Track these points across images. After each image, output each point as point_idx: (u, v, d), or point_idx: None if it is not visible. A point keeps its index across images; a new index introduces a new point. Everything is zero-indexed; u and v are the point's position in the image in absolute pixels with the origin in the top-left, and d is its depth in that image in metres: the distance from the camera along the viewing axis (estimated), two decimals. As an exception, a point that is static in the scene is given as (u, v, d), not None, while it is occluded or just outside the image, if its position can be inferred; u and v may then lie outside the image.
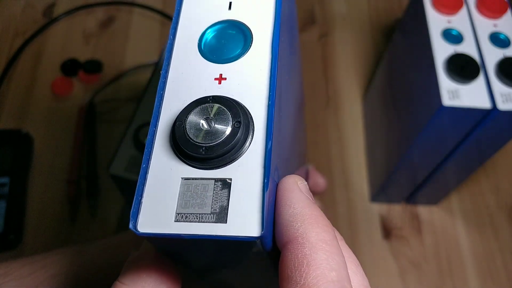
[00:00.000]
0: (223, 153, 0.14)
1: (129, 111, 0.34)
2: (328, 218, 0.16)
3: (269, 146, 0.14)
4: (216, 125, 0.14)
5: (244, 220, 0.14)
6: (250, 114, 0.15)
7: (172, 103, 0.15)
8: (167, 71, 0.16)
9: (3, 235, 0.47)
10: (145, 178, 0.15)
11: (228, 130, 0.14)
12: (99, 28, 0.63)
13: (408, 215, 0.52)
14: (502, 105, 0.33)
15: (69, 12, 0.64)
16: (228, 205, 0.14)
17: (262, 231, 0.13)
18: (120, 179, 0.36)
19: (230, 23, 0.17)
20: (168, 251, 0.17)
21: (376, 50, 0.62)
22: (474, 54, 0.35)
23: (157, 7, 0.64)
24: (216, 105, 0.15)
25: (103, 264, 0.31)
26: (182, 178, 0.14)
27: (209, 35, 0.17)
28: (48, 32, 0.62)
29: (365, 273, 0.17)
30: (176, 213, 0.14)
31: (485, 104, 0.33)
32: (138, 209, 0.14)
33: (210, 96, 0.15)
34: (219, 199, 0.14)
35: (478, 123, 0.35)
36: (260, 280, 0.21)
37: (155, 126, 0.15)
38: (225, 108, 0.14)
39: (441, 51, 0.35)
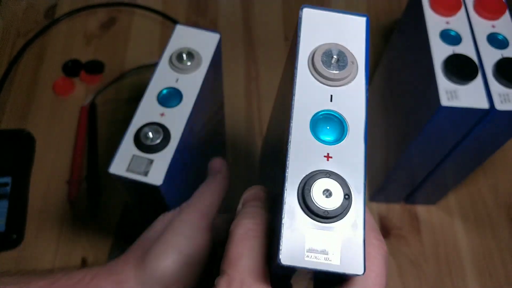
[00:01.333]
0: (336, 215, 0.20)
1: (130, 111, 0.34)
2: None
3: (364, 218, 0.20)
4: (332, 194, 0.20)
5: (352, 262, 0.19)
6: (351, 187, 0.21)
7: (295, 171, 0.21)
8: (288, 145, 0.22)
9: (5, 234, 0.47)
10: (282, 222, 0.20)
11: (340, 200, 0.20)
12: (101, 29, 0.64)
13: (407, 214, 0.52)
14: (500, 106, 0.33)
15: (70, 13, 0.64)
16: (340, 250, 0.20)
17: (364, 271, 0.19)
18: (120, 178, 0.36)
19: (331, 113, 0.23)
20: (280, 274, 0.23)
21: (375, 50, 0.63)
22: (472, 55, 0.35)
23: (158, 8, 0.65)
24: (332, 180, 0.21)
25: None
26: (306, 226, 0.20)
27: (317, 120, 0.23)
28: (50, 33, 0.63)
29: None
30: (306, 251, 0.20)
31: (483, 104, 0.33)
32: (280, 244, 0.19)
33: (327, 172, 0.21)
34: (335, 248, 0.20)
35: (476, 123, 0.35)
36: None
37: (285, 187, 0.21)
38: (337, 182, 0.20)
39: (440, 51, 0.35)
